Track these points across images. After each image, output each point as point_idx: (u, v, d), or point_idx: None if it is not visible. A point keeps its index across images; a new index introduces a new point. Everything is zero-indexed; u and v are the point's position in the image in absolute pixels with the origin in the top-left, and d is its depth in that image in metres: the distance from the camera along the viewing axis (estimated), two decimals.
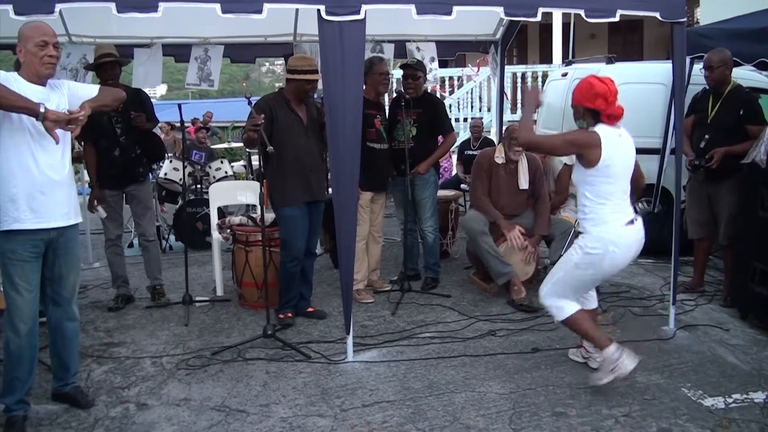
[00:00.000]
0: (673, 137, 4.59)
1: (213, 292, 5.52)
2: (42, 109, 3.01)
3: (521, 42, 16.08)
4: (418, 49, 6.67)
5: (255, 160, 8.22)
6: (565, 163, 5.68)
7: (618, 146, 3.36)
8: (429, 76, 6.36)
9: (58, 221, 3.22)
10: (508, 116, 10.82)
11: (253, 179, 8.22)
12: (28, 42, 3.10)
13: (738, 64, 5.27)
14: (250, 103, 4.38)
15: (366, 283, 5.34)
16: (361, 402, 3.47)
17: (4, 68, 3.43)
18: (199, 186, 7.94)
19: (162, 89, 40.86)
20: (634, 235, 3.45)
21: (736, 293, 4.79)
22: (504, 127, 6.17)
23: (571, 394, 3.52)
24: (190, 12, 3.99)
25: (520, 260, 5.21)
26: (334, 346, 4.23)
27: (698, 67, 5.06)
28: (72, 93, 3.28)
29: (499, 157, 5.35)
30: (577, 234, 4.37)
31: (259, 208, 4.35)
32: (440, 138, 5.68)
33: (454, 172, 9.34)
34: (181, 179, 6.78)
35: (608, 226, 3.38)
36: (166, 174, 7.67)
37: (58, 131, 3.11)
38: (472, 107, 12.29)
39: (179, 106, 5.36)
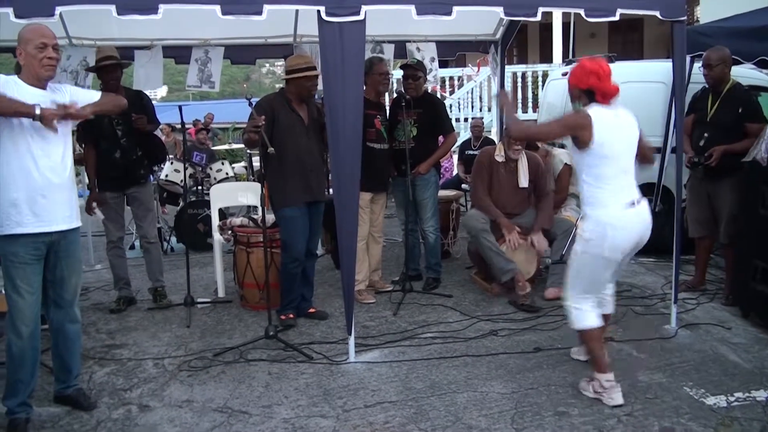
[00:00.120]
0: (673, 136, 4.59)
1: (214, 294, 5.52)
2: (37, 111, 3.03)
3: (521, 42, 16.08)
4: (418, 49, 6.67)
5: (256, 161, 8.24)
6: (566, 163, 5.68)
7: (612, 125, 3.27)
8: (429, 77, 6.36)
9: (60, 224, 3.22)
10: None
11: (254, 180, 8.23)
12: (27, 44, 3.11)
13: (738, 63, 5.27)
14: (250, 104, 4.39)
15: (367, 284, 5.34)
16: (363, 402, 3.47)
17: (4, 71, 3.43)
18: (200, 187, 7.95)
19: (162, 91, 40.91)
20: (636, 217, 3.32)
21: (737, 292, 4.79)
22: (504, 127, 6.17)
23: (574, 393, 3.51)
24: (191, 14, 3.99)
25: (522, 259, 5.21)
26: (336, 347, 4.23)
27: (698, 65, 5.06)
28: (73, 97, 3.28)
29: (500, 156, 5.35)
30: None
31: (260, 209, 4.35)
32: (441, 138, 5.68)
33: (455, 172, 9.35)
34: (182, 181, 6.79)
35: (607, 209, 3.28)
36: (167, 175, 7.68)
37: (59, 131, 3.15)
38: (472, 107, 12.29)
39: (180, 107, 5.37)
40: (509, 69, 11.43)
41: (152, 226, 5.32)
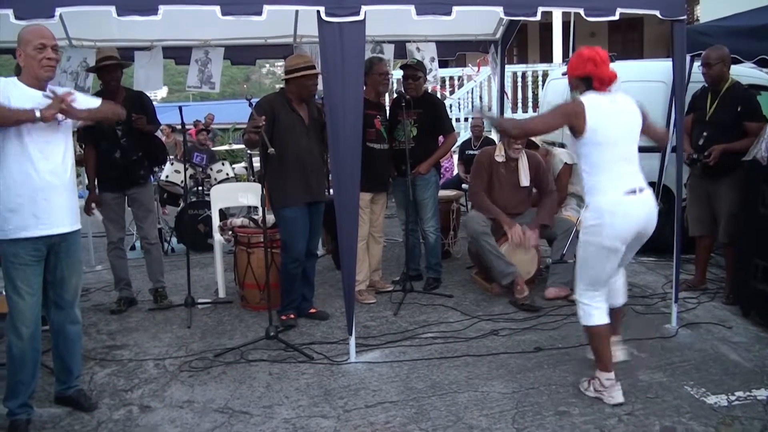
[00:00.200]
0: (673, 135, 4.58)
1: (215, 294, 5.52)
2: (38, 114, 3.05)
3: (521, 41, 16.08)
4: (418, 49, 6.67)
5: (256, 162, 8.24)
6: (565, 162, 5.69)
7: (608, 111, 3.24)
8: (429, 77, 6.36)
9: (61, 227, 3.22)
10: (508, 115, 10.83)
11: (254, 181, 8.23)
12: (26, 46, 3.11)
13: (738, 62, 5.27)
14: (250, 104, 4.39)
15: (368, 284, 5.34)
16: (364, 402, 3.48)
17: (5, 73, 3.44)
18: (200, 188, 7.95)
19: (163, 92, 40.88)
20: (637, 204, 3.25)
21: (738, 291, 4.79)
22: (500, 132, 6.17)
23: (574, 393, 3.51)
24: (190, 14, 4.00)
25: (522, 259, 5.21)
26: (337, 347, 4.23)
27: (698, 64, 5.06)
28: (74, 101, 3.27)
29: (500, 156, 5.35)
30: (578, 234, 4.34)
31: (260, 209, 4.35)
32: (441, 138, 5.68)
33: (455, 172, 9.34)
34: (182, 181, 6.79)
35: (605, 196, 3.24)
36: (167, 176, 7.68)
37: (60, 133, 3.19)
38: (472, 107, 12.28)
39: (180, 108, 5.38)
40: (509, 69, 11.44)
41: (153, 227, 5.32)
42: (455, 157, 9.61)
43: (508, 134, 4.76)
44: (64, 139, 3.27)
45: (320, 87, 4.51)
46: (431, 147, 5.48)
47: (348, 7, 3.72)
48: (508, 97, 11.44)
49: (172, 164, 7.69)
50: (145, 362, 4.10)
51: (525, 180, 5.34)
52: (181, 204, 7.46)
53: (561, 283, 5.16)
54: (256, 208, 6.52)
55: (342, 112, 3.83)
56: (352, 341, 4.03)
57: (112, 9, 3.50)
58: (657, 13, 4.09)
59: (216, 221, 5.72)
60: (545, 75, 11.15)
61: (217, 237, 5.50)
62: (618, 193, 3.23)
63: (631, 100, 3.35)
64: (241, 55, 6.77)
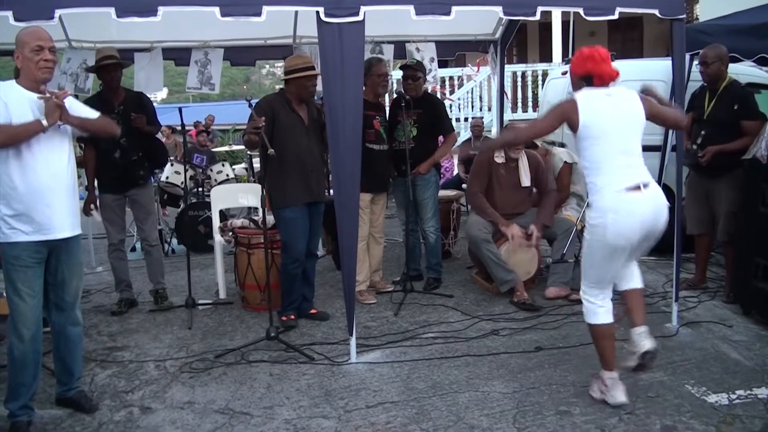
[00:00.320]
0: (673, 134, 4.59)
1: (216, 295, 5.53)
2: (44, 123, 3.07)
3: (521, 41, 16.08)
4: (417, 49, 6.67)
5: (256, 163, 8.24)
6: (565, 161, 5.69)
7: (602, 104, 3.19)
8: (429, 77, 6.36)
9: (62, 232, 3.22)
10: (508, 115, 10.83)
11: (254, 182, 8.24)
12: (24, 48, 3.11)
13: (738, 60, 5.27)
14: (250, 105, 4.39)
15: (368, 284, 5.34)
16: (364, 403, 3.48)
17: (5, 75, 3.44)
18: (200, 189, 7.95)
19: (163, 93, 40.88)
20: (641, 201, 3.13)
21: (738, 289, 4.79)
22: (504, 126, 6.18)
23: (575, 392, 3.51)
24: (190, 16, 4.00)
25: (523, 259, 5.21)
26: (337, 348, 4.23)
27: (697, 63, 5.06)
28: (71, 108, 3.27)
29: (499, 157, 5.35)
30: (578, 233, 4.32)
31: (260, 210, 4.35)
32: (441, 138, 5.69)
33: (455, 172, 9.35)
34: (182, 183, 6.79)
35: (605, 194, 3.17)
36: (167, 177, 7.69)
37: (59, 138, 3.21)
38: (472, 107, 12.29)
39: (180, 109, 5.38)
40: (509, 68, 11.44)
41: (153, 228, 5.32)
42: (455, 157, 9.61)
43: (509, 145, 4.78)
44: (65, 143, 3.27)
45: (320, 87, 4.52)
46: (431, 147, 5.48)
47: (347, 8, 3.73)
48: (507, 97, 11.44)
49: (172, 165, 7.69)
50: (146, 363, 4.10)
51: (525, 180, 5.34)
52: (182, 205, 7.46)
53: (561, 283, 5.16)
54: (256, 208, 6.53)
55: (342, 113, 3.83)
56: (353, 342, 4.03)
57: (112, 10, 3.50)
58: (656, 12, 4.09)
59: (216, 222, 5.73)
60: (545, 74, 11.15)
61: (218, 238, 5.50)
62: (619, 190, 3.14)
63: (630, 93, 3.29)
64: (240, 56, 6.78)
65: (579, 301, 4.87)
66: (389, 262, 6.28)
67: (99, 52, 4.96)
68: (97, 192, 5.01)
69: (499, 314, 4.83)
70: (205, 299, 5.41)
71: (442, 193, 6.25)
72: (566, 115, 3.24)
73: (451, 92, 12.54)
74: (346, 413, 3.37)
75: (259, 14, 3.67)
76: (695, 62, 5.19)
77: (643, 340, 3.25)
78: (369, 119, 4.95)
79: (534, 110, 11.55)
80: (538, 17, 3.97)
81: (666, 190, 5.59)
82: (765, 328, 4.36)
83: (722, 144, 4.74)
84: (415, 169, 5.27)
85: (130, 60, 6.02)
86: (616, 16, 4.03)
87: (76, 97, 4.70)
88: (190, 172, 7.81)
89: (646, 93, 3.50)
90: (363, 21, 3.76)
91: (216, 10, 3.61)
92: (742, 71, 6.20)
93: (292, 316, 4.68)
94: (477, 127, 9.00)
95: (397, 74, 8.24)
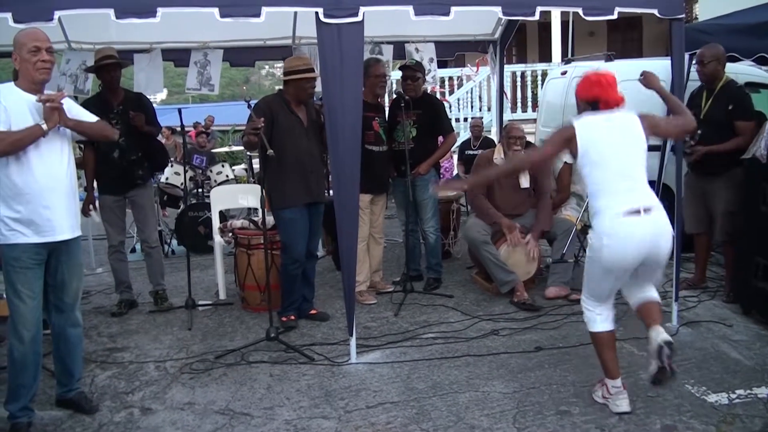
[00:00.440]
0: None
1: (216, 296, 5.53)
2: (45, 127, 3.07)
3: (520, 41, 16.09)
4: (417, 50, 6.67)
5: (256, 164, 8.25)
6: (565, 162, 5.69)
7: (601, 129, 3.18)
8: (428, 77, 6.36)
9: (62, 234, 3.22)
10: (508, 115, 10.82)
11: (254, 182, 8.24)
12: (21, 49, 3.11)
13: (737, 60, 5.27)
14: (249, 106, 4.39)
15: (368, 285, 5.34)
16: (365, 403, 3.48)
17: (4, 77, 3.44)
18: (200, 190, 7.95)
19: (162, 94, 40.85)
20: (638, 226, 3.06)
21: (738, 289, 4.79)
22: (503, 126, 6.17)
23: (575, 392, 3.52)
24: (189, 16, 4.00)
25: (522, 259, 5.21)
26: (338, 348, 4.23)
27: (694, 62, 5.06)
28: (69, 111, 3.27)
29: (499, 158, 5.35)
30: (578, 233, 4.29)
31: (260, 211, 4.36)
32: (440, 138, 5.69)
33: (455, 172, 9.34)
34: (182, 183, 6.79)
35: (603, 216, 3.14)
36: (167, 178, 7.69)
37: (59, 141, 3.21)
38: (471, 107, 12.29)
39: (179, 110, 5.38)
40: (508, 68, 11.43)
41: (153, 230, 5.32)
42: (455, 157, 9.62)
43: (518, 171, 4.77)
44: (64, 145, 3.27)
45: (319, 88, 4.52)
46: (431, 147, 5.48)
47: (346, 8, 3.73)
48: (507, 97, 11.44)
49: (171, 166, 7.69)
50: (146, 364, 4.10)
51: (525, 181, 5.34)
52: (181, 206, 7.46)
53: (561, 283, 5.16)
54: (256, 209, 6.52)
55: (341, 113, 3.83)
56: (353, 342, 4.03)
57: (111, 12, 3.50)
58: (655, 11, 4.09)
59: (216, 223, 5.73)
60: (544, 74, 11.15)
61: (218, 239, 5.50)
62: (617, 214, 3.09)
63: (630, 117, 3.24)
64: (240, 56, 6.78)
65: (579, 302, 4.90)
66: (389, 263, 6.28)
67: (98, 52, 4.97)
68: (96, 193, 5.01)
69: (499, 314, 4.83)
70: (205, 300, 5.41)
71: (442, 193, 6.24)
72: (566, 141, 3.24)
73: (451, 92, 12.53)
74: (346, 414, 3.37)
75: (258, 15, 3.67)
76: (694, 62, 5.20)
77: (659, 334, 3.12)
78: (368, 120, 4.94)
79: (533, 110, 11.54)
80: (537, 17, 3.97)
81: (666, 189, 5.64)
82: (765, 328, 4.36)
83: (717, 143, 4.74)
84: (415, 170, 5.27)
85: (130, 61, 6.02)
86: (615, 16, 4.04)
87: (76, 98, 4.71)
88: (189, 173, 7.81)
89: (645, 81, 3.50)
90: (362, 21, 3.76)
91: (215, 11, 3.61)
92: (742, 70, 6.21)
93: (292, 317, 4.68)
94: (476, 127, 8.99)
95: (396, 75, 8.24)
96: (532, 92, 12.23)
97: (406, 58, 6.45)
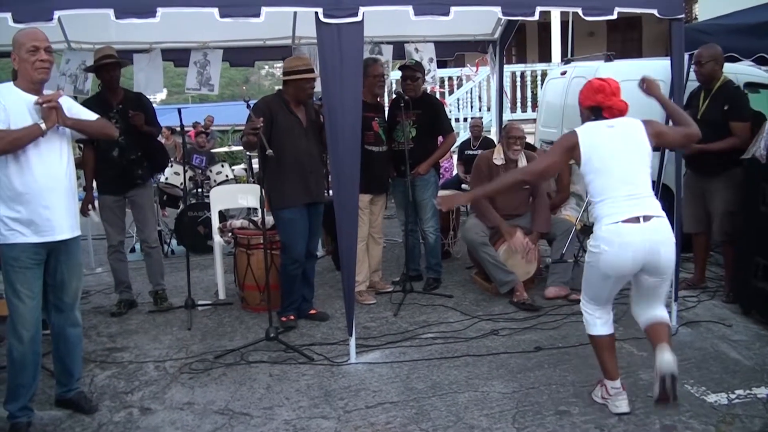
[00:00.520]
0: None
1: (215, 296, 5.52)
2: (43, 127, 3.07)
3: (520, 41, 16.09)
4: (416, 50, 6.68)
5: (256, 164, 8.24)
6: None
7: (603, 137, 3.16)
8: (428, 77, 6.36)
9: (61, 234, 3.22)
10: (507, 115, 10.82)
11: (253, 182, 8.24)
12: (20, 49, 3.11)
13: (737, 60, 5.27)
14: (248, 106, 4.39)
15: (368, 285, 5.34)
16: (364, 403, 3.48)
17: (4, 77, 3.44)
18: (200, 190, 7.95)
19: (162, 94, 40.84)
20: (636, 234, 3.04)
21: (738, 289, 4.79)
22: (503, 126, 6.17)
23: (575, 392, 3.52)
24: (189, 17, 4.00)
25: (522, 259, 5.21)
26: (337, 348, 4.23)
27: (692, 62, 5.07)
28: (69, 110, 3.27)
29: (498, 159, 5.35)
30: (578, 233, 4.27)
31: (260, 211, 4.36)
32: (440, 138, 5.69)
33: (454, 172, 9.34)
34: (182, 183, 6.79)
35: (602, 222, 3.12)
36: (167, 178, 7.69)
37: (58, 141, 3.20)
38: (471, 107, 12.29)
39: (179, 110, 5.37)
40: (508, 68, 11.42)
41: (153, 230, 5.32)
42: (454, 157, 9.61)
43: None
44: (63, 143, 3.26)
45: (318, 88, 4.52)
46: (430, 147, 5.48)
47: (346, 8, 3.73)
48: (507, 96, 11.44)
49: (171, 166, 7.68)
50: (146, 364, 4.10)
51: None
52: (181, 206, 7.46)
53: (561, 283, 5.16)
54: (255, 209, 6.52)
55: (341, 113, 3.84)
56: (353, 342, 4.03)
57: (111, 12, 3.50)
58: (655, 11, 4.10)
59: (216, 223, 5.72)
60: (544, 74, 11.14)
61: (217, 239, 5.50)
62: (616, 221, 3.07)
63: (634, 122, 3.21)
64: (239, 56, 6.78)
65: (578, 301, 4.88)
66: (389, 263, 6.28)
67: (97, 51, 4.97)
68: (96, 193, 5.01)
69: (499, 314, 4.84)
70: (205, 300, 5.41)
71: (442, 193, 6.22)
72: (569, 150, 3.23)
73: (450, 92, 12.53)
74: (345, 414, 3.37)
75: (257, 15, 3.67)
76: (692, 62, 5.20)
77: (663, 361, 3.03)
78: (367, 121, 4.93)
79: (533, 110, 11.55)
80: (536, 17, 3.98)
81: (665, 189, 5.65)
82: (764, 328, 4.36)
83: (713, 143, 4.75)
84: (415, 170, 5.27)
85: (129, 60, 6.02)
86: (614, 16, 4.04)
87: (75, 98, 4.70)
88: (189, 173, 7.81)
89: (646, 88, 3.49)
90: (362, 21, 3.76)
91: (215, 11, 3.61)
92: (742, 71, 6.21)
93: (292, 317, 4.68)
94: (476, 127, 8.99)
95: (396, 75, 8.25)
96: (532, 92, 12.23)
97: (406, 58, 6.46)
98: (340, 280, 4.42)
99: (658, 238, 3.08)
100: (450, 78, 12.73)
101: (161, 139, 7.89)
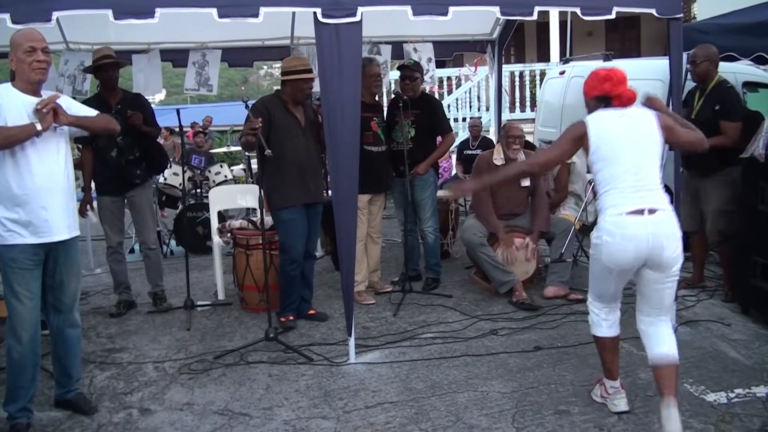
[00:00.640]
0: None
1: (214, 296, 5.52)
2: (39, 127, 3.05)
3: (519, 41, 16.10)
4: (415, 50, 6.68)
5: (254, 164, 8.24)
6: (564, 161, 5.69)
7: (613, 125, 3.08)
8: (426, 77, 6.36)
9: (60, 235, 3.22)
10: (506, 115, 10.83)
11: (252, 183, 8.23)
12: (17, 50, 3.11)
13: (736, 59, 5.28)
14: (247, 107, 4.39)
15: (367, 285, 5.34)
16: (363, 403, 3.48)
17: (3, 77, 3.44)
18: (199, 190, 7.94)
19: (161, 94, 40.79)
20: (639, 226, 2.95)
21: (737, 288, 4.79)
22: (502, 126, 6.18)
23: (574, 391, 3.52)
24: (187, 17, 4.00)
25: (521, 258, 5.21)
26: (336, 348, 4.23)
27: (687, 62, 5.07)
28: (69, 108, 3.26)
29: (498, 159, 5.34)
30: (576, 233, 4.26)
31: (259, 211, 4.35)
32: (439, 138, 5.69)
33: (453, 172, 9.34)
34: (180, 184, 6.79)
35: (606, 213, 3.05)
36: (165, 179, 7.68)
37: (56, 141, 3.20)
38: (470, 107, 12.29)
39: (178, 110, 5.37)
40: (507, 68, 11.44)
41: (151, 231, 5.31)
42: (453, 157, 9.62)
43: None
44: (61, 144, 3.26)
45: (316, 89, 4.51)
46: (429, 147, 5.47)
47: (344, 9, 3.73)
48: (507, 93, 11.45)
49: (170, 167, 7.68)
50: (145, 365, 4.10)
51: (525, 180, 5.33)
52: (180, 206, 7.46)
53: (560, 282, 5.16)
54: (254, 210, 6.52)
55: (339, 113, 3.84)
56: (352, 342, 4.03)
57: (109, 12, 3.51)
58: (653, 11, 4.10)
59: (215, 223, 5.72)
60: (543, 74, 11.15)
61: (216, 239, 5.50)
62: (620, 213, 2.99)
63: (646, 112, 3.16)
64: (238, 57, 6.78)
65: (578, 301, 4.90)
66: (388, 263, 6.28)
67: (96, 52, 4.97)
68: (95, 194, 5.00)
69: (498, 314, 4.84)
70: (204, 300, 5.40)
71: (441, 193, 6.24)
72: (578, 139, 3.15)
73: (449, 92, 12.53)
74: (345, 414, 3.37)
75: (256, 15, 3.67)
76: (687, 62, 5.21)
77: (669, 419, 2.89)
78: (366, 121, 4.93)
79: (532, 110, 11.55)
80: (535, 17, 3.98)
81: (664, 189, 5.65)
82: (764, 327, 4.36)
83: None
84: (414, 170, 5.27)
85: (128, 61, 6.01)
86: (613, 16, 4.04)
87: (74, 98, 4.70)
88: (188, 174, 7.80)
89: (649, 105, 3.41)
90: (360, 21, 3.76)
91: (213, 11, 3.61)
92: (740, 70, 6.21)
93: (291, 317, 4.68)
94: (475, 127, 8.99)
95: (394, 75, 8.25)
96: (531, 92, 12.23)
97: (405, 58, 6.46)
98: (339, 280, 4.41)
99: (663, 232, 2.98)
100: (449, 78, 12.73)
101: (159, 139, 7.90)
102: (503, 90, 7.64)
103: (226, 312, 5.14)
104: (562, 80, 7.66)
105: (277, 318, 4.59)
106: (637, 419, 3.19)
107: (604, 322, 3.26)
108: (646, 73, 6.46)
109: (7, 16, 3.36)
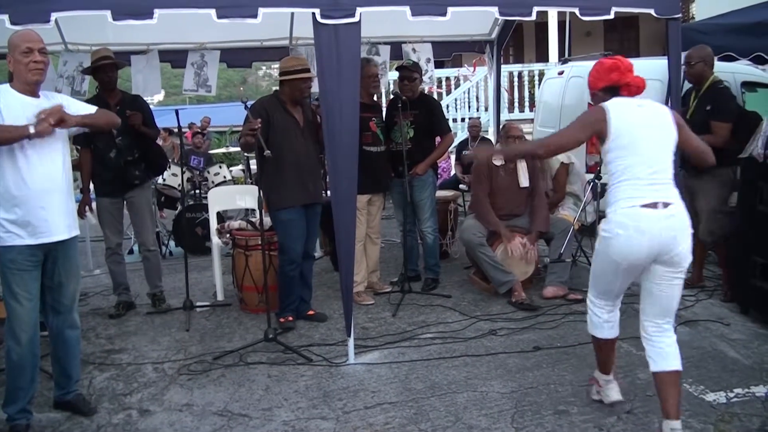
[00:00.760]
0: None
1: (213, 297, 5.52)
2: (31, 130, 3.04)
3: (517, 41, 16.09)
4: (414, 50, 6.68)
5: (253, 165, 8.23)
6: (562, 162, 5.70)
7: (633, 115, 2.98)
8: (425, 78, 6.36)
9: (58, 235, 3.22)
10: (505, 115, 10.83)
11: (251, 183, 8.23)
12: (14, 51, 3.11)
13: (734, 59, 5.28)
14: (246, 107, 4.39)
15: (366, 285, 5.34)
16: (363, 404, 3.48)
17: (2, 77, 3.44)
18: (198, 191, 7.94)
19: (159, 95, 40.76)
20: (653, 220, 2.85)
21: (736, 288, 4.79)
22: (501, 126, 6.18)
23: (573, 392, 3.52)
24: (186, 18, 4.00)
25: (520, 259, 5.21)
26: (336, 349, 4.23)
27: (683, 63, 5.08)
28: (68, 107, 3.26)
29: (498, 159, 5.34)
30: (575, 233, 4.25)
31: (258, 212, 4.35)
32: (438, 139, 5.69)
33: (452, 173, 9.34)
34: (179, 185, 6.79)
35: (618, 206, 2.93)
36: (164, 180, 7.67)
37: (55, 141, 3.18)
38: (469, 107, 12.29)
39: (176, 111, 5.37)
40: (505, 68, 11.44)
41: (150, 233, 5.31)
42: (452, 157, 9.62)
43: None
44: (60, 144, 3.26)
45: (315, 89, 4.51)
46: (428, 148, 5.47)
47: (343, 9, 3.73)
48: (506, 91, 11.44)
49: (169, 168, 7.67)
50: (144, 366, 4.10)
51: (524, 181, 5.34)
52: (179, 207, 7.45)
53: (559, 282, 5.16)
54: (253, 210, 6.52)
55: (338, 114, 3.84)
56: (351, 343, 4.03)
57: (108, 13, 3.51)
58: (652, 11, 4.11)
59: (214, 224, 5.72)
60: (541, 74, 11.15)
61: (215, 240, 5.49)
62: (634, 206, 2.89)
63: (662, 107, 3.10)
64: (237, 57, 6.79)
65: (577, 301, 4.91)
66: (387, 263, 6.28)
67: (94, 53, 4.97)
68: (93, 195, 5.00)
69: (497, 314, 4.84)
70: (203, 301, 5.40)
71: (440, 193, 6.25)
72: (596, 125, 3.01)
73: (448, 93, 12.53)
74: (344, 414, 3.37)
75: (255, 16, 3.67)
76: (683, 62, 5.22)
77: None
78: (365, 121, 4.93)
79: (531, 110, 11.55)
80: (534, 17, 3.98)
81: None
82: (763, 327, 4.37)
83: None
84: (413, 170, 5.27)
85: (126, 62, 6.01)
86: (611, 16, 4.05)
87: None
88: (187, 174, 7.79)
89: None
90: (359, 22, 3.77)
91: (212, 12, 3.61)
92: (739, 70, 6.22)
93: (290, 318, 4.68)
94: (474, 127, 8.98)
95: (393, 75, 8.24)
96: (530, 92, 12.23)
97: (403, 59, 6.46)
98: (338, 280, 4.42)
99: (676, 226, 2.90)
100: (447, 78, 12.73)
101: (158, 140, 7.89)
102: (504, 89, 7.63)
103: (226, 313, 5.14)
104: (560, 80, 7.66)
105: (277, 319, 4.59)
106: (636, 419, 3.19)
107: (606, 324, 3.22)
108: (644, 73, 6.33)
109: (5, 17, 3.36)
